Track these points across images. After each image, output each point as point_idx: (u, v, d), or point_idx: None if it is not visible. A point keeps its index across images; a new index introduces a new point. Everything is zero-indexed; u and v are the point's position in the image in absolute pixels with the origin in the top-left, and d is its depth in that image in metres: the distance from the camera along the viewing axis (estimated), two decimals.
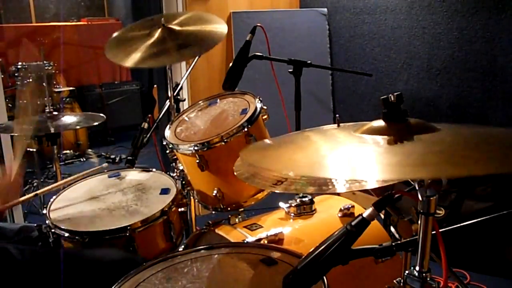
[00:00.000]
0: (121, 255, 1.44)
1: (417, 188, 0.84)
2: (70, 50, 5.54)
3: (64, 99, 4.83)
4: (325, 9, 3.52)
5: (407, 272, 0.89)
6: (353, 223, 0.86)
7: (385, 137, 0.83)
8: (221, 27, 1.91)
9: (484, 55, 2.63)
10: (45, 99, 2.19)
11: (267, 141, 1.16)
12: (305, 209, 1.61)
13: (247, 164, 0.87)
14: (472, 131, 0.93)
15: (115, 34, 2.00)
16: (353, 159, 0.78)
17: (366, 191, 2.67)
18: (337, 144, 0.87)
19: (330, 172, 0.76)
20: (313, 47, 3.50)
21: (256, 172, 1.02)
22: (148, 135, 1.95)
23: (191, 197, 1.86)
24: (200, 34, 1.92)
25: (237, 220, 1.61)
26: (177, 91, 2.15)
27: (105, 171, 1.97)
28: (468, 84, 2.74)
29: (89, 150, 5.07)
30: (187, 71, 2.32)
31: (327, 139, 0.94)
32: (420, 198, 0.83)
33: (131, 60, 1.79)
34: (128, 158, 1.92)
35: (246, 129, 1.59)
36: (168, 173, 1.91)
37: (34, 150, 4.06)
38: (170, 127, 1.81)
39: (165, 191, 1.75)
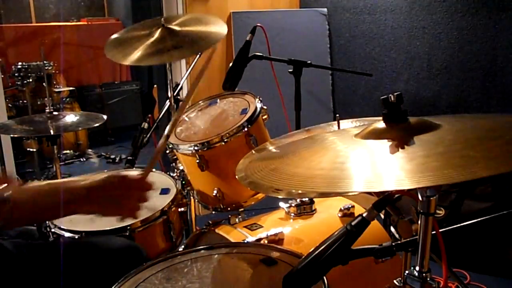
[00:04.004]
0: (124, 243, 1.43)
1: (417, 188, 0.83)
2: (70, 50, 5.54)
3: (64, 99, 4.83)
4: (325, 9, 3.52)
5: (407, 272, 0.89)
6: (353, 223, 0.86)
7: (387, 142, 0.83)
8: (220, 28, 1.91)
9: (484, 55, 2.63)
10: (45, 99, 2.18)
11: (270, 148, 1.16)
12: (305, 209, 1.60)
13: (252, 183, 0.87)
14: (474, 124, 0.93)
15: (115, 35, 2.00)
16: (358, 172, 0.78)
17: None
18: (339, 154, 0.87)
19: (336, 188, 0.76)
20: (313, 47, 3.50)
21: None
22: (148, 135, 1.95)
23: (191, 197, 1.86)
24: (199, 34, 1.92)
25: (237, 220, 1.61)
26: (177, 91, 2.15)
27: (105, 171, 1.97)
28: (468, 84, 2.74)
29: (89, 150, 5.06)
30: (187, 71, 2.32)
31: (328, 148, 0.94)
32: (420, 198, 0.83)
33: (130, 58, 1.80)
34: (128, 158, 1.92)
35: (246, 129, 1.59)
36: (168, 173, 1.91)
37: (34, 150, 4.07)
38: None
39: (165, 191, 1.75)
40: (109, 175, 1.16)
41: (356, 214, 1.55)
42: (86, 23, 6.05)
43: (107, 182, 1.15)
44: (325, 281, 0.98)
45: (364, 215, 0.87)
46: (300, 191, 0.82)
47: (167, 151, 1.77)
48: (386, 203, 0.88)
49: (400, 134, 0.85)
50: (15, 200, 1.03)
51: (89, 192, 1.12)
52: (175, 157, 1.78)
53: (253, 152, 1.17)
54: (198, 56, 2.26)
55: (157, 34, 1.86)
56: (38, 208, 1.08)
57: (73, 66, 5.54)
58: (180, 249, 1.64)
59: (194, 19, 2.05)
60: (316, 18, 3.52)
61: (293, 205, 1.60)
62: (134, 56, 1.80)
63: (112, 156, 4.87)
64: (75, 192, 1.12)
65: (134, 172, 1.91)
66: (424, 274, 0.86)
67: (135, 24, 2.02)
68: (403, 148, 0.79)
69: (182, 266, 1.17)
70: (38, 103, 4.48)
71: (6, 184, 1.05)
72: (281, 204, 1.64)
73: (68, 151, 4.85)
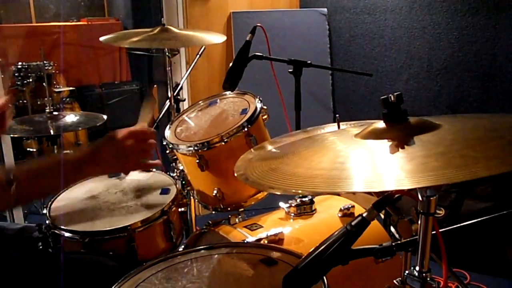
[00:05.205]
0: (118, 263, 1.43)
1: (417, 188, 0.84)
2: (70, 50, 5.53)
3: (64, 99, 4.83)
4: (325, 9, 3.52)
5: (407, 272, 0.89)
6: (353, 223, 0.86)
7: (387, 142, 0.83)
8: (218, 37, 2.02)
9: (484, 55, 2.63)
10: (45, 99, 2.19)
11: (270, 148, 1.16)
12: (305, 209, 1.61)
13: (250, 181, 0.87)
14: (474, 124, 0.93)
15: (115, 34, 2.07)
16: (358, 172, 0.78)
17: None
18: (339, 154, 0.87)
19: (335, 188, 0.76)
20: (313, 47, 3.50)
21: None
22: None
23: (191, 197, 1.86)
24: (195, 35, 2.09)
25: (237, 220, 1.61)
26: (177, 91, 2.15)
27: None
28: (468, 84, 2.74)
29: None
30: (187, 71, 2.33)
31: (328, 148, 0.94)
32: (420, 198, 0.83)
33: (125, 42, 1.96)
34: None
35: (246, 129, 1.59)
36: (168, 173, 1.91)
37: (34, 150, 4.06)
38: (170, 127, 1.81)
39: (165, 191, 1.75)
40: (111, 133, 1.18)
41: (356, 214, 1.55)
42: (86, 23, 6.04)
43: (108, 139, 1.17)
44: (325, 281, 0.98)
45: (364, 215, 0.87)
46: (300, 191, 0.82)
47: (167, 151, 1.77)
48: (386, 203, 0.88)
49: (400, 134, 0.85)
50: (19, 179, 1.05)
51: (92, 155, 1.15)
52: (175, 157, 1.78)
53: (252, 150, 1.17)
54: (198, 56, 2.27)
55: (156, 30, 2.00)
56: (42, 183, 1.10)
57: (73, 66, 5.54)
58: (180, 249, 1.64)
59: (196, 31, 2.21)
60: (316, 18, 3.52)
61: (293, 205, 1.60)
62: (129, 40, 1.95)
63: None
64: (78, 159, 1.15)
65: (132, 172, 1.93)
66: (424, 274, 0.86)
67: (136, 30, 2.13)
68: (403, 148, 0.79)
69: (182, 266, 1.17)
70: (38, 103, 4.48)
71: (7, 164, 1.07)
72: (281, 204, 1.64)
73: (68, 151, 4.84)
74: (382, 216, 0.98)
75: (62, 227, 1.55)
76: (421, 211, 0.84)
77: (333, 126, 1.47)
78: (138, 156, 1.22)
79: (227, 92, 1.87)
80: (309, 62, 1.80)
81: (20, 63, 4.48)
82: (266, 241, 1.38)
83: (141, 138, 1.23)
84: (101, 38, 1.99)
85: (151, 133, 1.26)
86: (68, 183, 1.15)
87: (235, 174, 0.95)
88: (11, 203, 1.05)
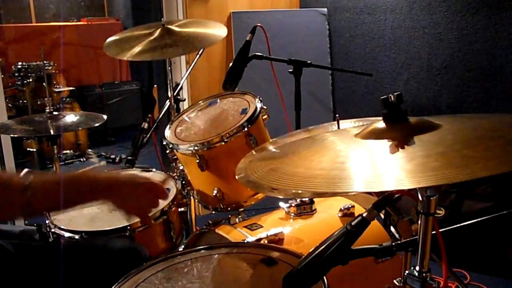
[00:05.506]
0: (125, 245, 1.44)
1: (417, 188, 0.84)
2: (70, 50, 5.54)
3: (64, 99, 4.83)
4: (325, 9, 3.52)
5: (407, 272, 0.89)
6: (353, 223, 0.86)
7: (387, 142, 0.83)
8: (219, 30, 1.98)
9: (484, 55, 2.63)
10: (45, 99, 2.19)
11: (270, 147, 1.16)
12: (305, 209, 1.60)
13: (251, 182, 0.87)
14: (474, 124, 0.93)
15: (116, 36, 2.04)
16: (358, 172, 0.78)
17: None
18: (339, 154, 0.87)
19: (335, 188, 0.76)
20: (313, 47, 3.50)
21: None
22: (148, 135, 1.95)
23: (191, 197, 1.86)
24: (196, 34, 2.03)
25: (237, 220, 1.61)
26: (177, 91, 2.15)
27: (104, 170, 1.97)
28: (468, 84, 2.74)
29: (89, 150, 5.06)
30: (187, 71, 2.33)
31: (328, 148, 0.94)
32: (420, 198, 0.83)
33: (127, 54, 1.90)
34: (128, 158, 1.92)
35: (246, 129, 1.59)
36: (168, 173, 1.91)
37: (34, 150, 4.07)
38: (170, 127, 1.81)
39: None
40: (136, 175, 1.19)
41: (356, 214, 1.55)
42: (86, 23, 6.05)
43: (133, 180, 1.18)
44: (325, 281, 0.98)
45: (364, 215, 0.87)
46: (300, 191, 0.81)
47: (167, 151, 1.77)
48: (386, 203, 0.88)
49: (400, 134, 0.85)
50: (36, 188, 1.04)
51: (111, 185, 1.14)
52: (175, 157, 1.78)
53: (254, 152, 1.17)
54: (198, 56, 2.27)
55: (156, 33, 1.96)
56: (57, 197, 1.09)
57: (73, 66, 5.54)
58: (180, 249, 1.64)
59: (195, 22, 2.14)
60: (316, 18, 3.53)
61: (293, 205, 1.60)
62: (130, 52, 1.89)
63: (112, 156, 4.86)
64: (96, 182, 1.14)
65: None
66: (424, 274, 0.86)
67: (136, 27, 2.08)
68: (403, 148, 0.79)
69: (182, 266, 1.17)
70: (38, 103, 4.48)
71: (26, 170, 1.06)
72: (281, 204, 1.64)
73: (68, 151, 4.85)
74: (382, 216, 0.98)
75: (62, 227, 1.55)
76: (421, 211, 0.84)
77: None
78: (147, 206, 1.24)
79: (227, 92, 1.87)
80: (309, 62, 1.80)
81: (20, 63, 4.48)
82: (266, 241, 1.38)
83: (156, 194, 1.24)
84: (104, 48, 1.97)
85: (166, 194, 1.30)
86: (79, 202, 1.15)
87: (237, 177, 0.95)
88: (23, 210, 1.04)
